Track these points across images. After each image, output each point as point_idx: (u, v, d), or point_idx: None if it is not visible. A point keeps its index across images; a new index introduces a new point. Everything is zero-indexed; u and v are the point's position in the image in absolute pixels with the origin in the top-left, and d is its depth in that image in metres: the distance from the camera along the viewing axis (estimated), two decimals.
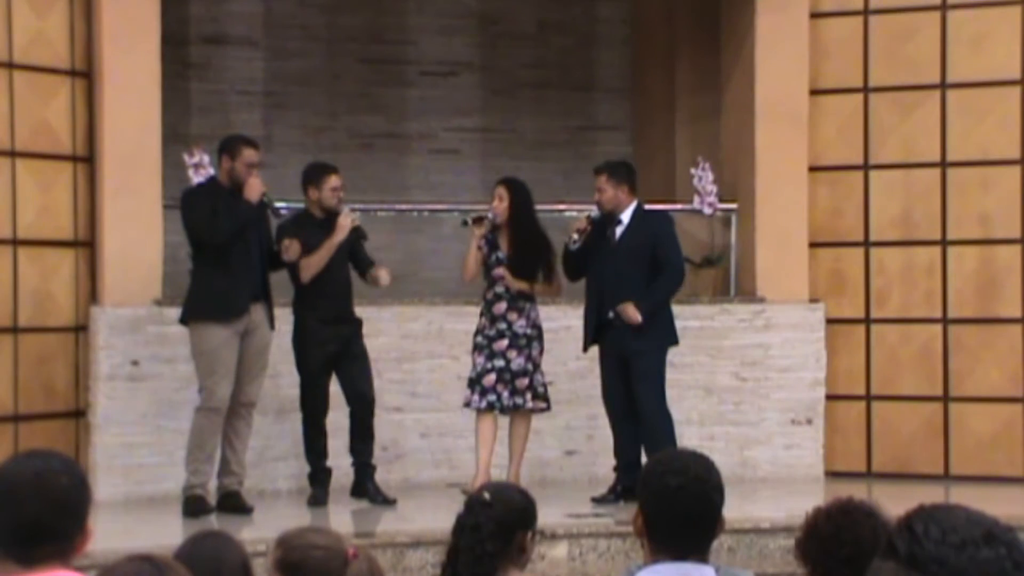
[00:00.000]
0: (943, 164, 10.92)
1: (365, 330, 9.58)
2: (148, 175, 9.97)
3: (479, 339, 9.62)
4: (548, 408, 9.71)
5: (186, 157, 10.23)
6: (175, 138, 11.01)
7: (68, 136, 9.91)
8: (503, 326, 9.56)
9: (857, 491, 4.27)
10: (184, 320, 9.29)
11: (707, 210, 11.22)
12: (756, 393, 10.89)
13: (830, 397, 11.01)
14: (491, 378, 9.52)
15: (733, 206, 11.29)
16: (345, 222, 9.41)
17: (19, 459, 3.23)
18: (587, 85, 12.95)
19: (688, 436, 9.64)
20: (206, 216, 9.12)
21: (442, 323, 10.53)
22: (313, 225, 9.46)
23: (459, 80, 12.68)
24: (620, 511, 9.23)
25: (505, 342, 9.55)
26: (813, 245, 11.08)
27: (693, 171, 11.25)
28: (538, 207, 9.82)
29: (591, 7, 13.01)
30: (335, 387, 9.47)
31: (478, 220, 9.62)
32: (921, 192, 10.98)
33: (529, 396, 9.56)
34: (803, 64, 11.05)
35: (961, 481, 10.68)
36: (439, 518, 7.76)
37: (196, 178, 10.00)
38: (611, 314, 9.50)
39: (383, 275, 9.54)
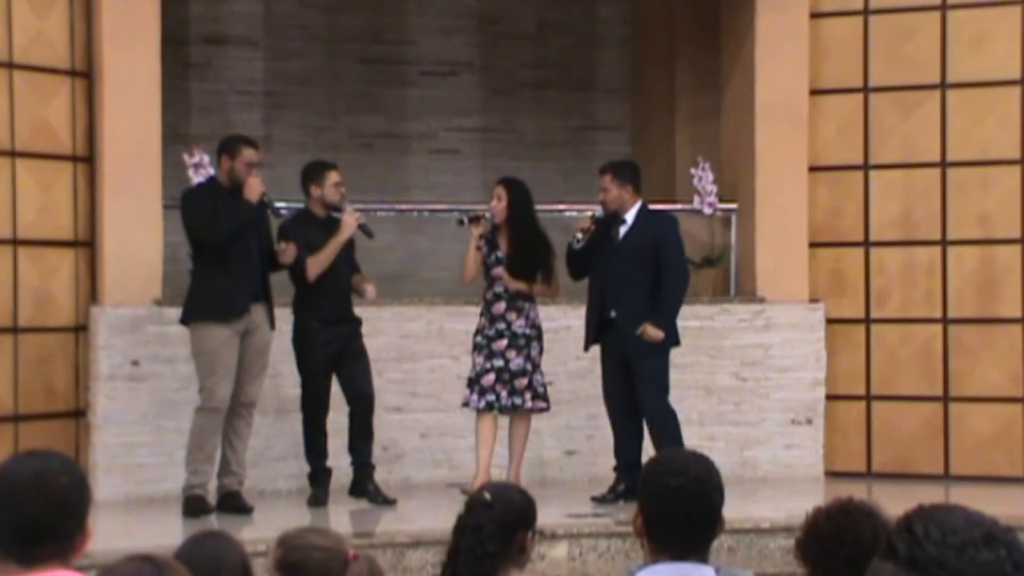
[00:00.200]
0: (943, 164, 10.92)
1: (365, 330, 9.57)
2: (148, 175, 9.96)
3: (478, 339, 9.61)
4: (548, 408, 9.70)
5: (186, 157, 10.22)
6: (175, 138, 11.01)
7: (68, 136, 9.91)
8: (502, 326, 9.56)
9: (857, 491, 4.27)
10: (184, 320, 9.29)
11: (707, 210, 11.22)
12: (756, 393, 10.88)
13: (830, 397, 11.00)
14: (490, 378, 9.51)
15: (733, 206, 11.29)
16: (350, 220, 9.39)
17: (19, 459, 3.24)
18: (587, 85, 12.94)
19: (688, 436, 9.62)
20: (206, 216, 9.11)
21: (442, 323, 10.53)
22: (315, 224, 9.44)
23: (459, 80, 12.67)
24: (620, 511, 9.22)
25: (504, 342, 9.55)
26: (813, 245, 11.08)
27: (693, 171, 11.25)
28: (538, 207, 9.81)
29: (591, 7, 13.00)
30: (335, 387, 9.47)
31: (474, 219, 9.60)
32: (921, 192, 10.97)
33: (528, 396, 9.55)
34: (803, 64, 11.05)
35: (961, 481, 10.68)
36: (439, 518, 7.77)
37: (196, 178, 9.99)
38: (612, 313, 9.51)
39: (369, 290, 9.52)
